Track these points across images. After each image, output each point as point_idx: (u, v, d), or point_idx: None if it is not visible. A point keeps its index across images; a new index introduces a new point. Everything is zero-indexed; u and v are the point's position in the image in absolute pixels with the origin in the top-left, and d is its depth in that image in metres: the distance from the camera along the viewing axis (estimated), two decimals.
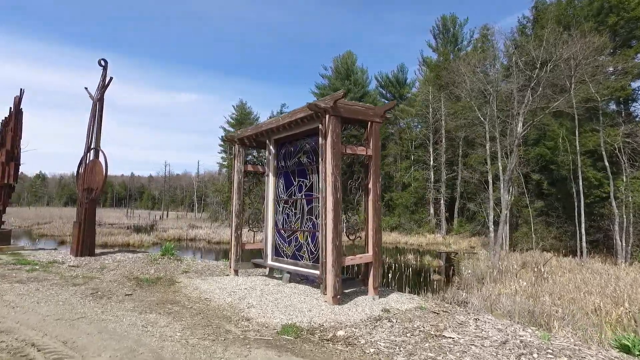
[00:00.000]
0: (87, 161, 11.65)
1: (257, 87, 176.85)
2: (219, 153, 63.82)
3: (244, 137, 9.38)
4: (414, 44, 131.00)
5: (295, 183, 8.57)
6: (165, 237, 38.23)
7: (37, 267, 9.60)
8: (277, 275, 9.42)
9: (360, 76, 54.53)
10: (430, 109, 45.20)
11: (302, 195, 8.34)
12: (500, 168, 27.53)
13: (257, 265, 9.43)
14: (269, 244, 9.04)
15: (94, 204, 11.38)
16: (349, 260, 6.94)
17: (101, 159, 11.34)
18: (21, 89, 13.79)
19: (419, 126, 52.18)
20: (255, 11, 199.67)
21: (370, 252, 7.22)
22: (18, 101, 13.72)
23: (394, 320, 5.96)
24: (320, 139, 7.41)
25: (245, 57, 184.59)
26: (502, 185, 26.05)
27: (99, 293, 7.22)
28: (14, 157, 13.50)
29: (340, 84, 52.96)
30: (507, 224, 25.40)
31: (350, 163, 8.95)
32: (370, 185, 7.36)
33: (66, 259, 10.56)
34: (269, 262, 8.96)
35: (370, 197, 7.33)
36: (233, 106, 64.15)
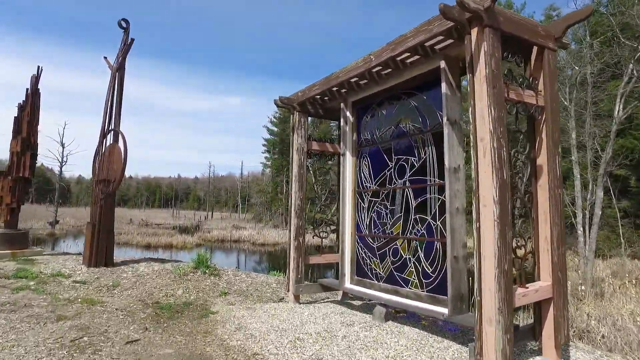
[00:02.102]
0: (104, 147, 8.98)
1: (301, 87, 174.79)
2: (263, 153, 61.75)
3: (306, 100, 6.28)
4: None
5: (391, 164, 5.36)
6: (209, 238, 36.20)
7: (32, 283, 6.97)
8: (354, 302, 6.24)
9: None
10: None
11: (405, 182, 5.12)
12: (589, 159, 23.04)
13: (327, 288, 6.29)
14: (346, 257, 5.87)
15: (111, 200, 8.67)
16: (521, 297, 3.62)
17: (120, 143, 8.62)
18: (39, 67, 11.45)
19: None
20: (298, 13, 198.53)
21: (548, 281, 3.88)
22: (35, 80, 11.37)
23: None
24: (443, 85, 4.21)
25: (290, 59, 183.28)
26: (587, 181, 21.57)
27: (85, 339, 4.31)
28: (30, 145, 11.14)
29: None
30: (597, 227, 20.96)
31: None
32: (541, 160, 4.02)
33: (76, 271, 7.90)
34: (348, 285, 5.79)
35: (543, 181, 3.99)
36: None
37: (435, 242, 4.61)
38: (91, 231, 8.41)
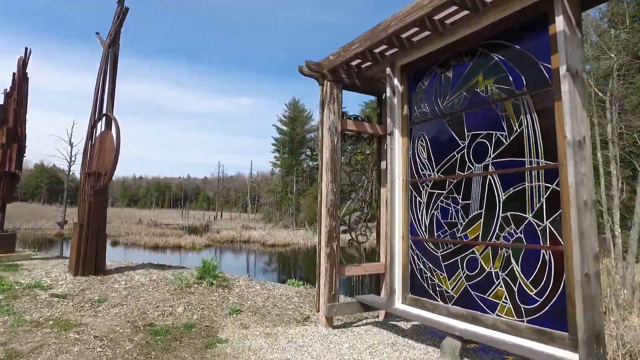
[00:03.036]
0: (94, 135, 7.59)
1: (311, 89, 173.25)
2: (272, 152, 60.31)
3: (340, 65, 4.81)
4: None
5: (463, 143, 3.89)
6: (218, 238, 34.92)
7: (0, 297, 5.60)
8: (402, 324, 4.78)
9: None
10: None
11: (486, 166, 3.64)
12: (617, 151, 21.28)
13: (367, 307, 4.82)
14: (395, 269, 4.41)
15: (102, 196, 7.28)
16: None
17: (113, 131, 7.25)
18: (26, 49, 10.15)
19: None
20: (308, 14, 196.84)
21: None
22: (23, 65, 10.07)
23: None
24: (560, 22, 2.85)
25: (296, 60, 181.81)
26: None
27: None
28: (17, 137, 9.83)
29: None
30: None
31: None
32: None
33: (58, 281, 6.54)
34: (399, 305, 4.33)
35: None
36: (285, 104, 60.32)
37: (543, 252, 3.13)
38: (78, 233, 7.03)
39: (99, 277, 6.70)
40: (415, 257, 4.30)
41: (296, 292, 6.75)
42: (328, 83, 4.91)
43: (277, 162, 57.21)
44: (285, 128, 56.87)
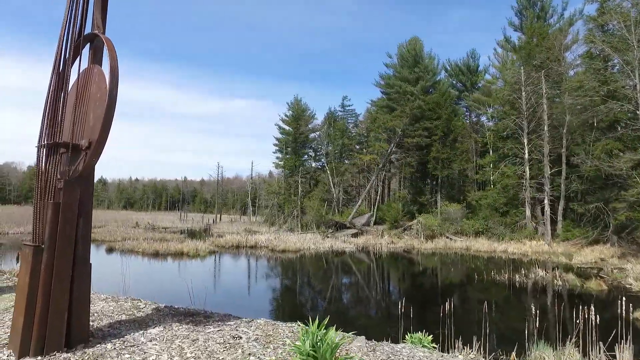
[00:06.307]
0: (66, 75, 3.82)
1: (310, 89, 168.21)
2: (274, 153, 56.64)
3: None
4: (473, 37, 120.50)
5: None
6: (222, 243, 31.10)
7: None
8: None
9: (430, 63, 45.63)
10: (523, 93, 35.64)
11: None
12: None
13: None
14: None
15: (84, 188, 3.56)
16: None
17: (105, 67, 3.52)
18: None
19: (494, 118, 42.70)
20: (305, 16, 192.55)
21: None
22: None
23: None
24: None
25: (297, 62, 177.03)
26: None
27: None
28: None
29: (408, 72, 44.36)
30: None
31: None
32: None
33: None
34: None
35: None
36: (288, 103, 56.77)
37: None
38: (31, 267, 3.26)
39: (74, 357, 2.95)
40: None
41: None
42: None
43: (280, 163, 53.42)
44: (287, 127, 53.14)
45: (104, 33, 3.89)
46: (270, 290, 17.03)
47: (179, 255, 25.85)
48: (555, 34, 36.04)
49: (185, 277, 14.90)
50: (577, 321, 6.52)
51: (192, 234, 39.20)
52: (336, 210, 44.23)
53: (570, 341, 6.09)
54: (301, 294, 17.15)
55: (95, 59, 3.95)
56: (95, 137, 3.44)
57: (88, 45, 4.01)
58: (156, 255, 25.56)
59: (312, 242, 32.08)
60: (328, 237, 35.31)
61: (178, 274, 19.20)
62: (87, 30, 3.98)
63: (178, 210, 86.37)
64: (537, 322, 6.68)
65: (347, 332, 4.09)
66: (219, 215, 66.19)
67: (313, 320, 3.28)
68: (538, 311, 7.10)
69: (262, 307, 13.36)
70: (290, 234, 36.93)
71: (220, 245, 30.57)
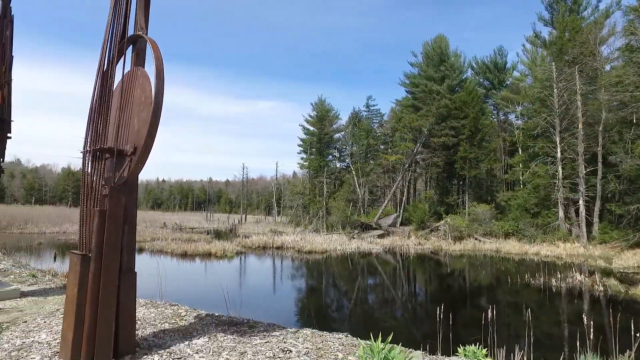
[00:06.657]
0: (109, 79, 3.70)
1: (335, 90, 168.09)
2: (298, 154, 56.65)
3: None
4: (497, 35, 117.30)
5: None
6: (249, 244, 31.19)
7: None
8: None
9: (456, 61, 44.54)
10: (555, 90, 34.25)
11: None
12: None
13: None
14: None
15: (129, 196, 3.44)
16: None
17: (151, 70, 3.39)
18: None
19: (524, 116, 41.25)
20: (329, 17, 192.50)
21: None
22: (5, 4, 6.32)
23: None
24: None
25: (321, 64, 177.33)
26: None
27: None
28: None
29: (434, 71, 43.46)
30: None
31: None
32: None
33: None
34: None
35: None
36: (312, 104, 56.59)
37: None
38: (79, 278, 3.15)
39: None
40: None
41: None
42: None
43: (304, 163, 53.35)
44: (311, 128, 53.02)
45: (146, 32, 3.77)
46: (302, 292, 16.87)
47: (207, 255, 26.08)
48: (589, 27, 34.48)
49: (216, 278, 14.92)
50: (638, 334, 6.02)
51: (218, 235, 39.59)
52: (361, 211, 43.79)
53: (629, 356, 5.61)
54: (330, 295, 16.91)
55: (138, 61, 3.84)
56: (141, 142, 3.31)
57: (132, 44, 3.90)
58: (185, 255, 25.87)
59: (338, 243, 31.79)
60: (354, 238, 34.94)
61: (208, 275, 19.29)
62: (129, 32, 3.88)
63: (204, 210, 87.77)
64: (587, 331, 6.21)
65: (388, 340, 3.83)
66: (244, 216, 66.78)
67: (374, 336, 3.02)
68: (582, 319, 6.62)
69: (296, 309, 13.18)
70: (316, 235, 36.76)
71: (247, 246, 30.69)
